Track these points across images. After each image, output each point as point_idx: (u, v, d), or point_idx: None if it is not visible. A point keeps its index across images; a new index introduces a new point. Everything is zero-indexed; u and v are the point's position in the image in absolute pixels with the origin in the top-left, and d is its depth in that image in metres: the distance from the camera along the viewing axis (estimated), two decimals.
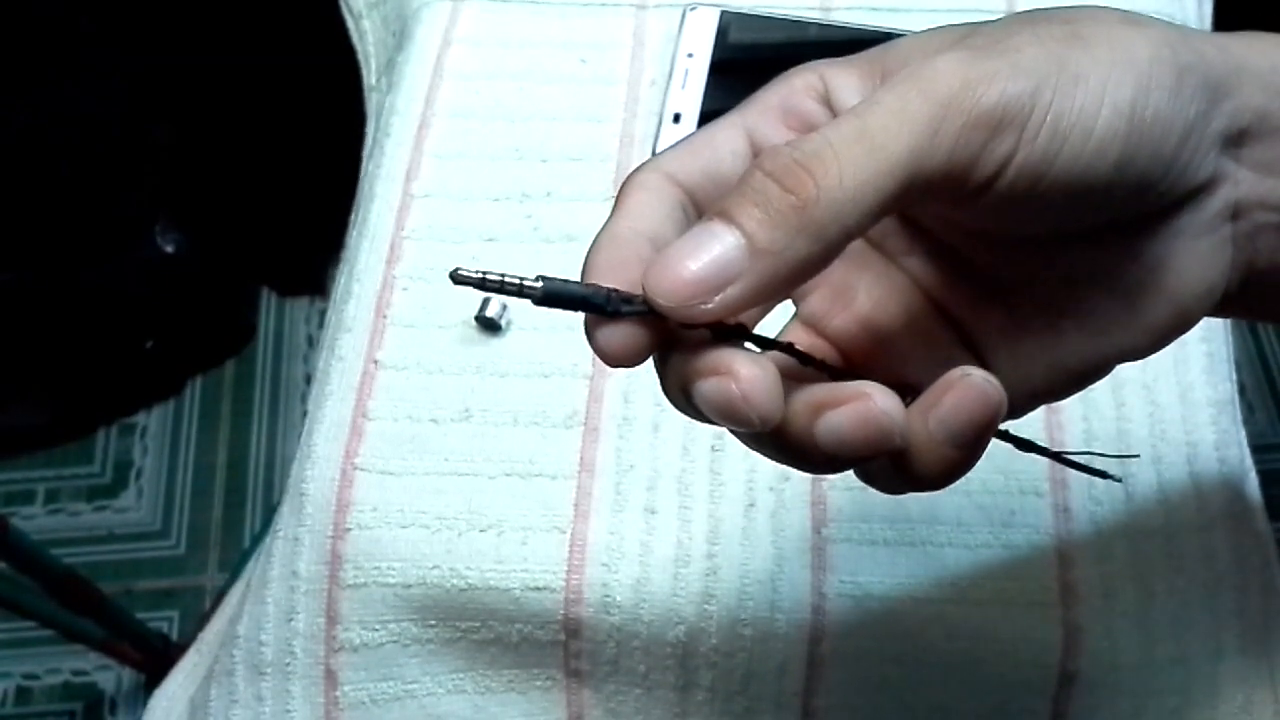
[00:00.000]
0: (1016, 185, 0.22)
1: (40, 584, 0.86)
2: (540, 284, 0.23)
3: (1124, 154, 0.22)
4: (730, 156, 0.25)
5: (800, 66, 0.26)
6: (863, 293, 0.28)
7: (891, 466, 0.24)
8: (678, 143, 0.26)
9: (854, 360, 0.27)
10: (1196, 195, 0.25)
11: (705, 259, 0.22)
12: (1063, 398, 0.27)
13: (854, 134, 0.22)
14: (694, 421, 0.24)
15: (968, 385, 0.23)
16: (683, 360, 0.23)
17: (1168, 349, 0.27)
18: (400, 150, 0.54)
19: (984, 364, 0.26)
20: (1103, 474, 0.28)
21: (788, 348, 0.25)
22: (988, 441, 0.23)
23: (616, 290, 0.23)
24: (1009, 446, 0.27)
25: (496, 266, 0.24)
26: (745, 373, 0.22)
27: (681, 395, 0.23)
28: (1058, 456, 0.27)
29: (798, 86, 0.26)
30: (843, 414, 0.22)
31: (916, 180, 0.22)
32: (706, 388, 0.22)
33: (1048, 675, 0.43)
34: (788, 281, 0.22)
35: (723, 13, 0.57)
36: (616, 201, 0.25)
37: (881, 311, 0.28)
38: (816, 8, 0.58)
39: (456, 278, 0.23)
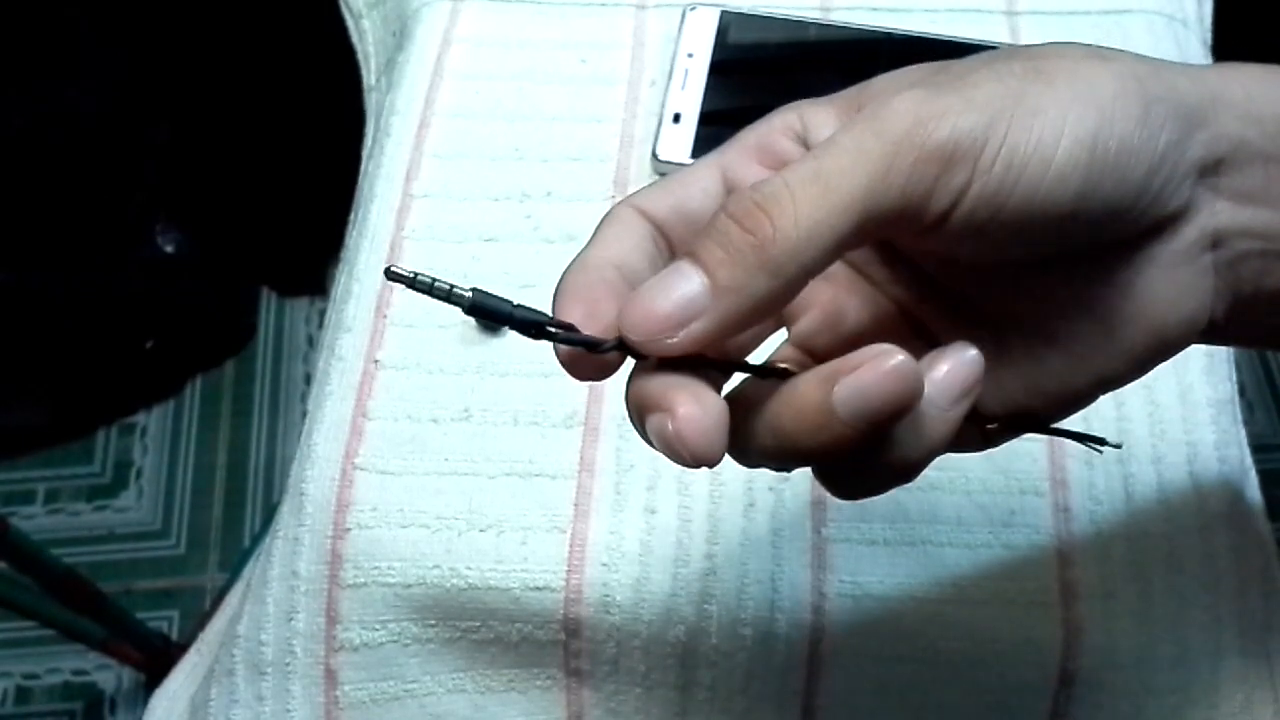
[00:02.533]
0: (976, 215, 0.23)
1: (40, 584, 0.86)
2: (470, 294, 0.24)
3: (1086, 183, 0.23)
4: (700, 194, 0.26)
5: (784, 106, 0.27)
6: (852, 316, 0.28)
7: (871, 455, 0.24)
8: (657, 180, 0.27)
9: None
10: (1171, 224, 0.25)
11: (673, 296, 0.23)
12: None
13: (810, 175, 0.22)
14: None
15: (957, 355, 0.24)
16: (639, 388, 0.24)
17: None
18: (400, 150, 0.54)
19: None
20: (1100, 440, 0.28)
21: (748, 366, 0.25)
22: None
23: (545, 315, 0.24)
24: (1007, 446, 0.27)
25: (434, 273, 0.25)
26: (683, 412, 0.23)
27: (639, 423, 0.24)
28: (1060, 433, 0.28)
29: (776, 125, 0.27)
30: (864, 372, 0.23)
31: (872, 217, 0.22)
32: (652, 422, 0.23)
33: (1048, 675, 0.43)
34: (750, 317, 0.23)
35: (723, 13, 0.56)
36: (593, 233, 0.26)
37: (868, 333, 0.28)
38: (816, 8, 0.58)
39: (390, 274, 0.24)
